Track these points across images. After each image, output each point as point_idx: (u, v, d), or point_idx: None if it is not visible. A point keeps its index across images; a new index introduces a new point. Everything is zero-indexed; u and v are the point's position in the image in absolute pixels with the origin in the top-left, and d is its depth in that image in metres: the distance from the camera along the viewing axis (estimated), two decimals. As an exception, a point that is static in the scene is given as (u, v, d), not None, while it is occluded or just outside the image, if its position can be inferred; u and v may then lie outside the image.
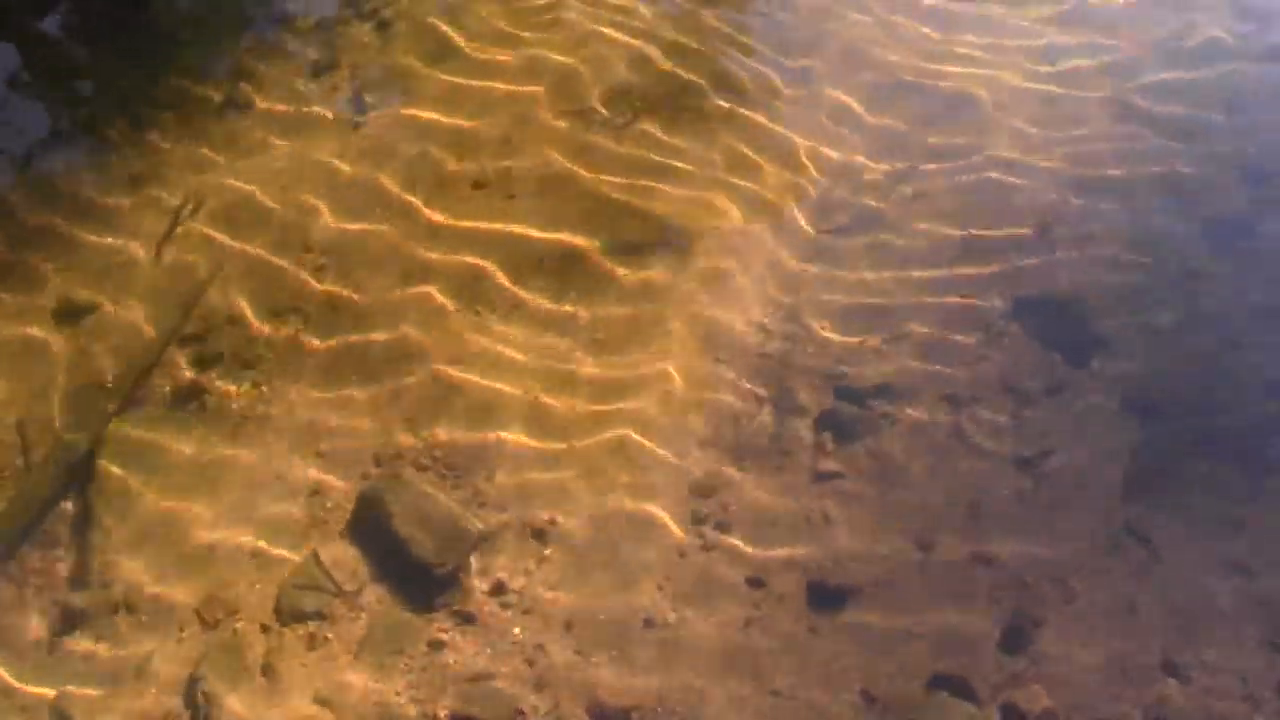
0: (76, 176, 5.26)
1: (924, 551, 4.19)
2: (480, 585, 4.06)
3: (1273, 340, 4.74)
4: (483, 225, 5.08)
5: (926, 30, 6.13)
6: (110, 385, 4.52)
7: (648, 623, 3.99)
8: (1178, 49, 6.00)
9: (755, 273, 4.99)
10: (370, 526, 4.17)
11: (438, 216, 5.12)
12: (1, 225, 5.09)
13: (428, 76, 5.69)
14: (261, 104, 5.58)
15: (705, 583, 4.09)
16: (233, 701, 3.79)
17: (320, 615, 4.01)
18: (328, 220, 5.09)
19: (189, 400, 4.54)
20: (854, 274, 5.01)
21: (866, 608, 4.05)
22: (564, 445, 4.41)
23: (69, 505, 4.29)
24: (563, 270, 4.94)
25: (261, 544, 4.16)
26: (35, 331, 4.70)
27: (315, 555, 4.12)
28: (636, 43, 5.89)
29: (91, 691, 3.84)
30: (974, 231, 5.16)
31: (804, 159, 5.46)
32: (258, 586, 4.07)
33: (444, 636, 3.95)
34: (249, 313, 4.79)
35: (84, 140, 5.43)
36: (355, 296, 4.83)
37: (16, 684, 3.86)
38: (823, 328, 4.82)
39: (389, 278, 4.89)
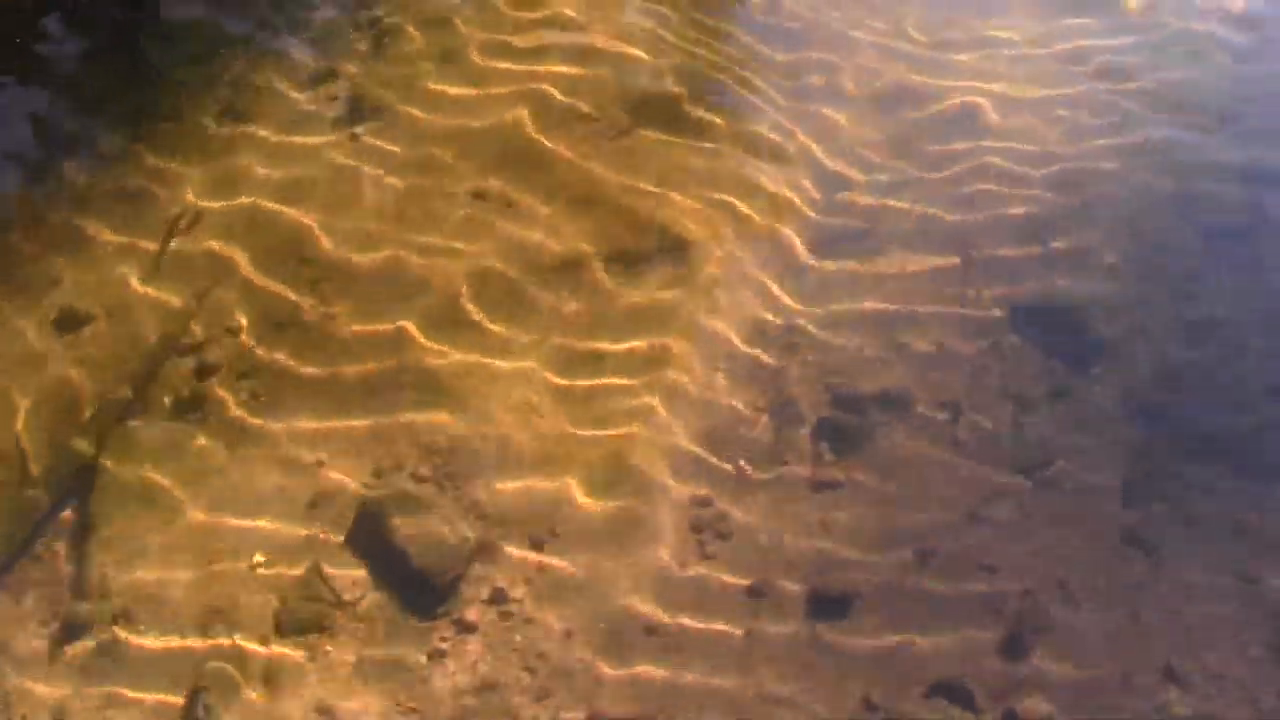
0: (74, 188, 5.26)
1: (924, 559, 4.18)
2: (480, 595, 4.05)
3: (1274, 345, 4.74)
4: (482, 235, 5.08)
5: (925, 40, 6.14)
6: (108, 397, 4.52)
7: (648, 631, 3.99)
8: (1176, 54, 6.02)
9: (754, 281, 4.99)
10: (370, 537, 4.16)
11: (437, 226, 5.12)
12: (1, 237, 5.09)
13: (426, 86, 5.70)
14: (259, 114, 5.57)
15: (705, 591, 4.09)
16: (233, 712, 3.78)
17: (320, 626, 4.00)
18: (326, 230, 5.09)
19: (188, 411, 4.53)
20: (852, 282, 5.02)
21: (867, 616, 4.04)
22: (563, 454, 4.41)
23: (69, 515, 4.29)
24: (562, 279, 4.94)
25: (261, 555, 4.15)
26: (35, 342, 4.69)
27: (315, 566, 4.11)
28: (635, 53, 5.90)
29: (91, 703, 3.83)
30: (972, 240, 5.17)
31: (802, 168, 5.47)
32: (258, 597, 4.06)
33: (444, 646, 3.94)
34: (248, 323, 4.78)
35: (81, 152, 5.42)
36: (355, 306, 4.83)
37: (17, 696, 3.85)
38: (821, 336, 4.82)
39: (388, 288, 4.89)
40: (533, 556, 4.15)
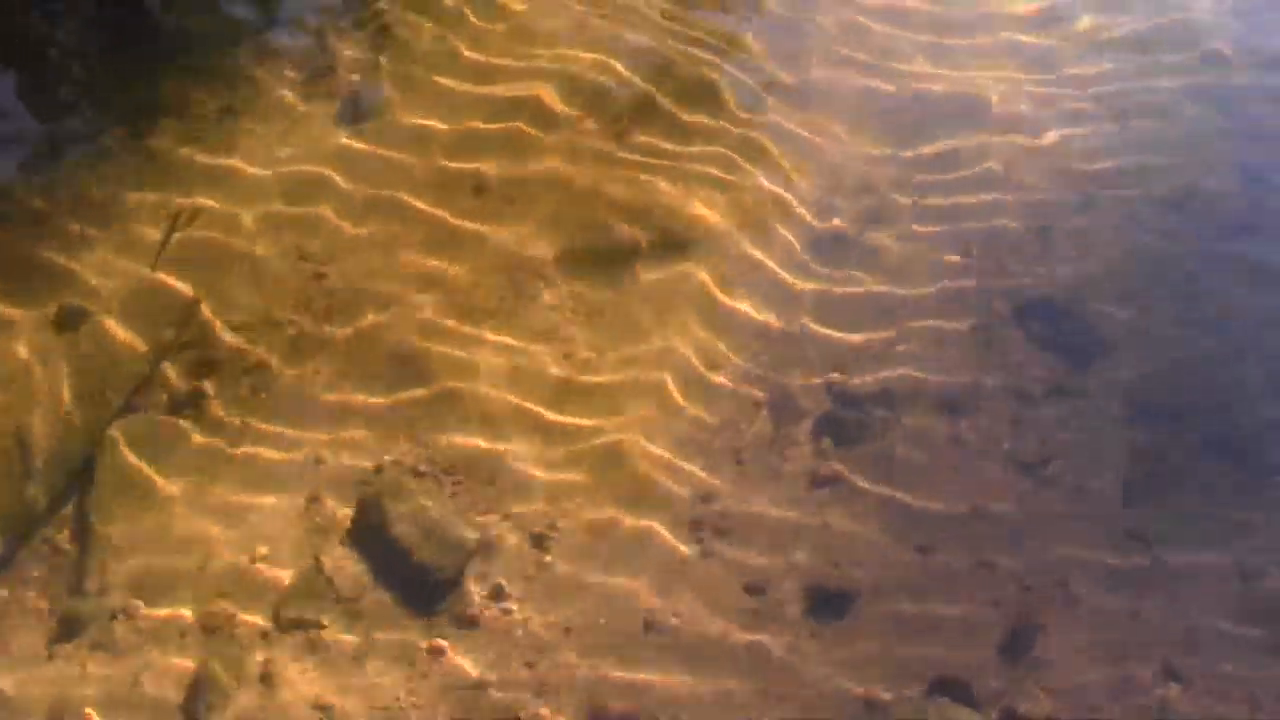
0: (74, 184, 5.24)
1: (924, 556, 4.18)
2: (480, 591, 4.05)
3: (1274, 345, 4.74)
4: (483, 231, 5.08)
5: (924, 36, 6.14)
6: (107, 392, 4.51)
7: (648, 628, 3.99)
8: (1174, 54, 6.02)
9: (753, 278, 4.99)
10: (370, 533, 4.16)
11: (437, 223, 5.12)
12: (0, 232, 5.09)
13: (426, 82, 5.69)
14: (260, 110, 5.56)
15: (705, 588, 4.09)
16: (232, 709, 3.78)
17: (320, 622, 3.99)
18: (326, 227, 5.08)
19: (186, 408, 4.52)
20: (852, 278, 5.02)
21: (867, 613, 4.04)
22: (563, 451, 4.41)
23: (67, 512, 4.28)
24: (561, 276, 4.93)
25: (261, 550, 4.15)
26: (33, 339, 4.68)
27: (315, 562, 4.11)
28: (636, 48, 5.90)
29: (89, 700, 3.82)
30: (973, 235, 5.17)
31: (802, 164, 5.46)
32: (257, 592, 4.05)
33: (444, 642, 3.94)
34: (248, 319, 4.77)
35: (81, 148, 5.40)
36: (355, 302, 4.83)
37: (14, 692, 3.84)
38: (821, 333, 4.82)
39: (388, 284, 4.89)
40: (532, 553, 4.15)
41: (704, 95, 5.72)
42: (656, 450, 4.41)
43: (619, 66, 5.79)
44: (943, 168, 5.47)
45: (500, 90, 5.66)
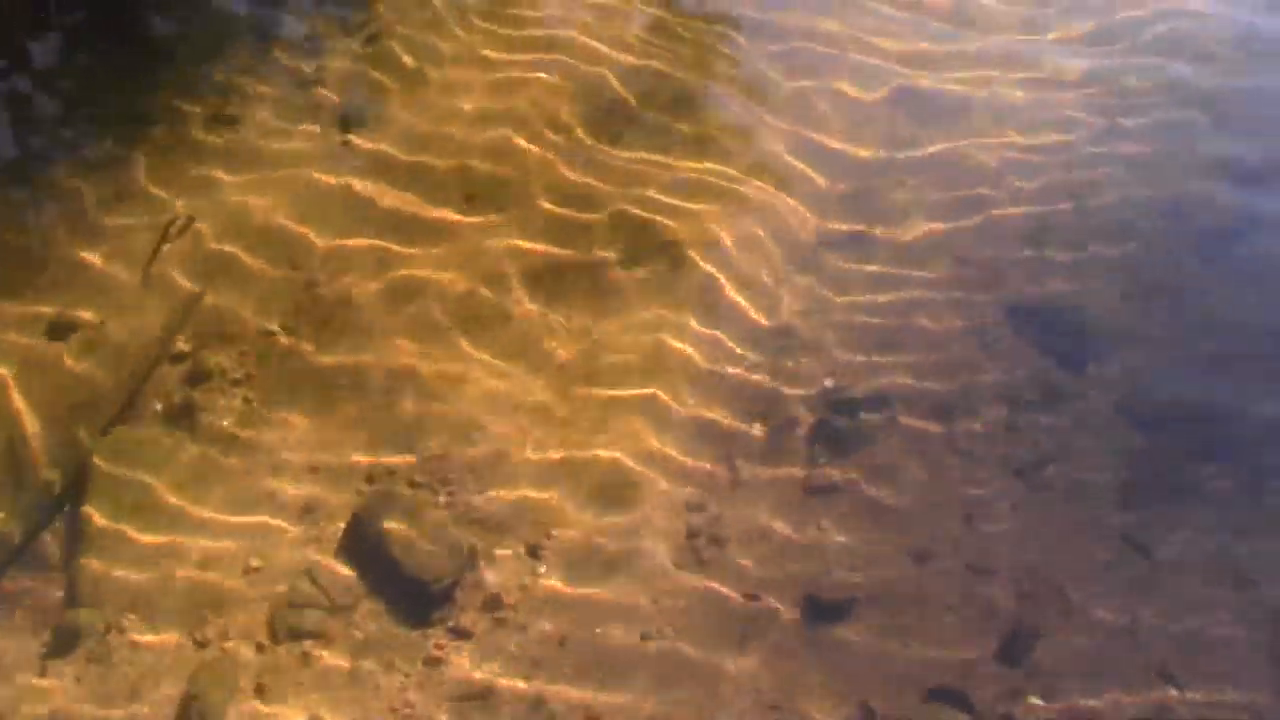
0: (64, 193, 5.24)
1: (920, 563, 4.17)
2: (475, 601, 4.04)
3: (1271, 348, 4.74)
4: (474, 239, 5.08)
5: (921, 37, 6.14)
6: (99, 404, 4.50)
7: (644, 637, 3.97)
8: (1169, 54, 6.02)
9: (748, 285, 4.98)
10: (364, 543, 4.15)
11: (428, 231, 5.11)
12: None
13: (417, 91, 5.70)
14: (250, 120, 5.56)
15: (700, 598, 4.08)
16: (226, 721, 3.77)
17: (314, 633, 3.98)
18: (318, 236, 5.08)
19: (180, 418, 4.51)
20: (847, 285, 5.01)
21: (863, 621, 4.03)
22: (558, 460, 4.40)
23: (60, 524, 4.26)
24: (554, 283, 4.93)
25: (254, 562, 4.14)
26: (24, 349, 4.67)
27: (309, 573, 4.10)
28: (627, 55, 5.90)
29: (83, 713, 3.80)
30: (969, 241, 5.16)
31: (798, 170, 5.46)
32: (251, 605, 4.04)
33: (440, 653, 3.93)
34: (239, 330, 4.77)
35: (71, 157, 5.40)
36: (346, 313, 4.82)
37: (6, 707, 3.83)
38: (816, 340, 4.81)
39: (379, 293, 4.88)
40: (527, 562, 4.14)
41: (697, 100, 5.74)
42: (652, 459, 4.40)
43: (609, 73, 5.80)
44: (939, 171, 5.46)
45: (490, 98, 5.67)
